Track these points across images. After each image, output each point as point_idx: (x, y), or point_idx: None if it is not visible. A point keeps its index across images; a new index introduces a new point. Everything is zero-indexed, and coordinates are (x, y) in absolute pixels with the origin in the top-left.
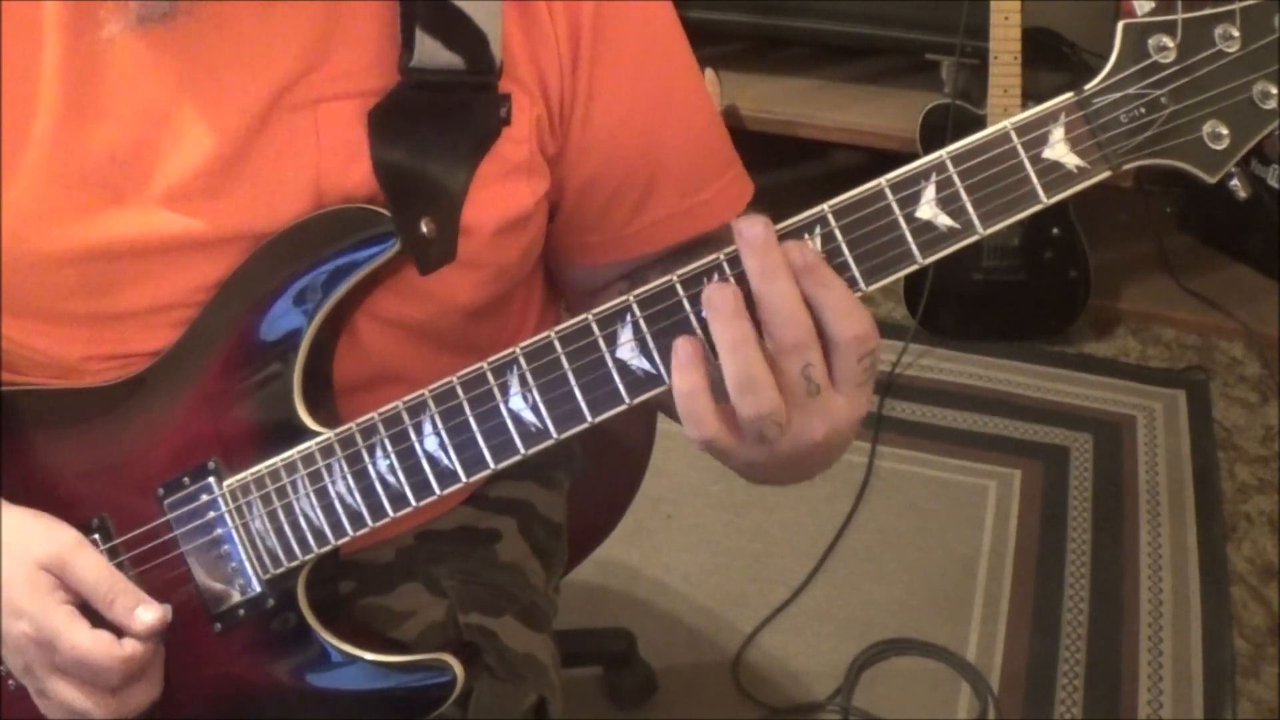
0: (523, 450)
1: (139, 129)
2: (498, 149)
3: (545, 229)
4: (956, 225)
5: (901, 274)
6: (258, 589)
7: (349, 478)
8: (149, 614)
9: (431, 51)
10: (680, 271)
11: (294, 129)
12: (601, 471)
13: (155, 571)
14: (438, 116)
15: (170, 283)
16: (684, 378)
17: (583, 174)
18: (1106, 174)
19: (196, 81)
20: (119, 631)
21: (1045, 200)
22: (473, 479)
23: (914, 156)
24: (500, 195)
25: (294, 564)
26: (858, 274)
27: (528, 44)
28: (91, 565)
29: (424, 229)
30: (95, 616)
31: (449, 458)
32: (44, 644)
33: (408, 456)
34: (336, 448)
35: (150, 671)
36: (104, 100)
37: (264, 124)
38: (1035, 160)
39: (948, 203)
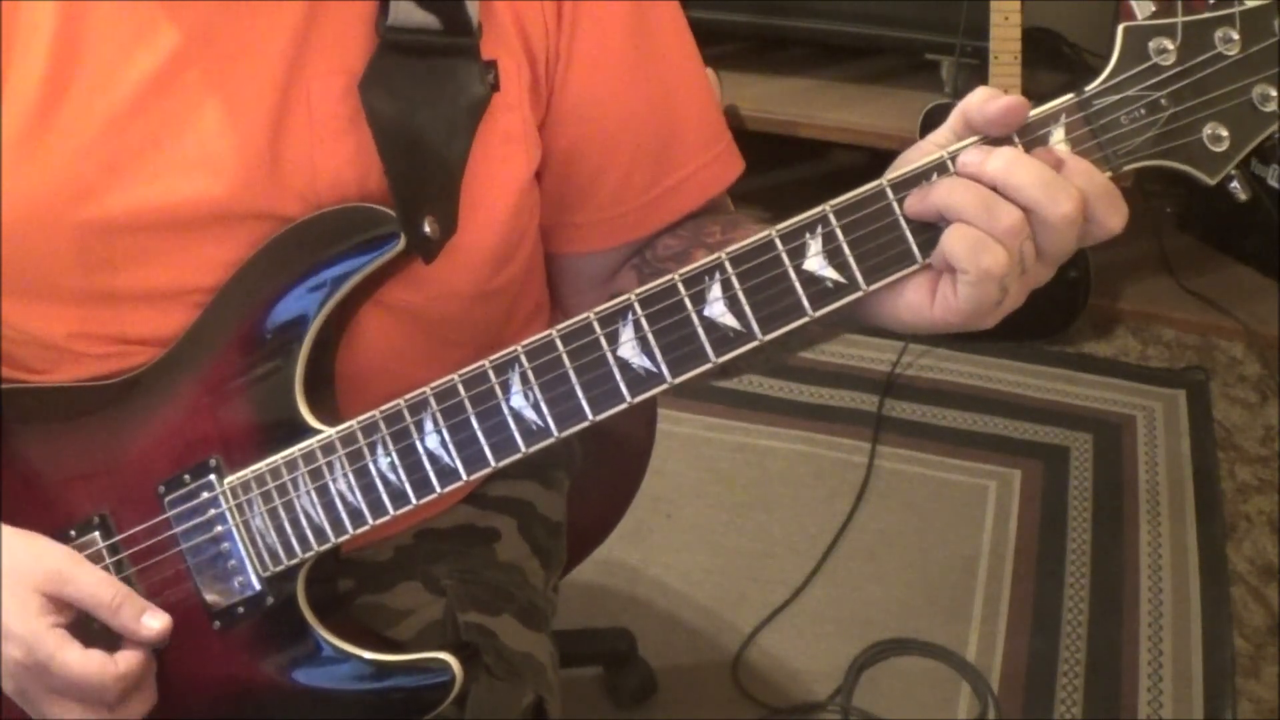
0: (524, 448)
1: (136, 98)
2: (492, 118)
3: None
4: None
5: (903, 274)
6: (257, 587)
7: (350, 475)
8: (156, 621)
9: (406, 10)
10: (682, 271)
11: (288, 101)
12: (602, 471)
13: (155, 569)
14: (425, 82)
15: (166, 264)
16: (959, 234)
17: (562, 145)
18: (1107, 175)
19: (191, 51)
20: (110, 650)
21: None
22: (473, 477)
23: None
24: (500, 169)
25: (294, 562)
26: (858, 273)
27: (511, 6)
28: (93, 575)
29: (427, 229)
30: (85, 638)
31: (450, 455)
32: (37, 668)
33: (409, 454)
34: (337, 445)
35: (145, 681)
36: (94, 65)
37: (260, 97)
38: None
39: None
